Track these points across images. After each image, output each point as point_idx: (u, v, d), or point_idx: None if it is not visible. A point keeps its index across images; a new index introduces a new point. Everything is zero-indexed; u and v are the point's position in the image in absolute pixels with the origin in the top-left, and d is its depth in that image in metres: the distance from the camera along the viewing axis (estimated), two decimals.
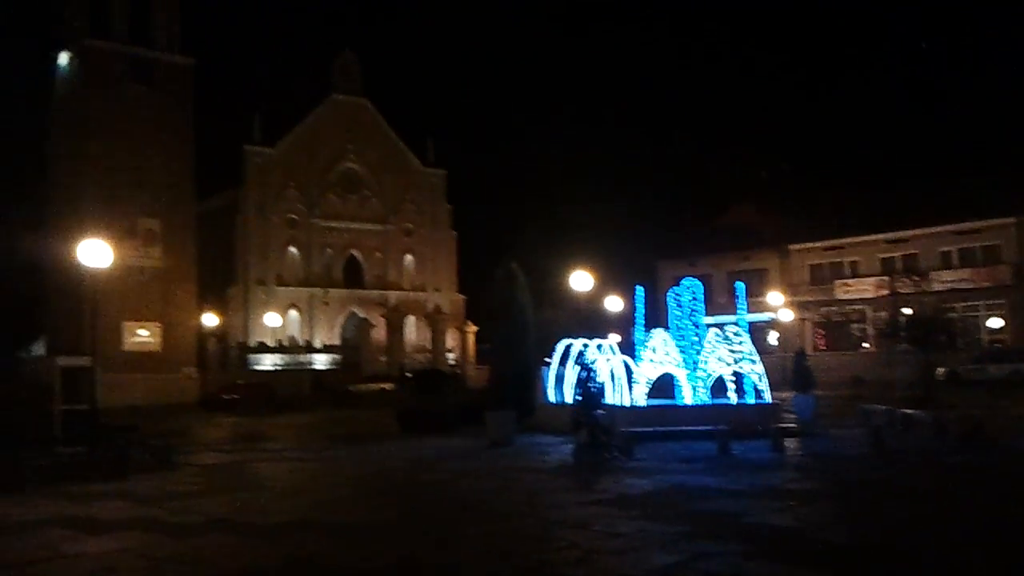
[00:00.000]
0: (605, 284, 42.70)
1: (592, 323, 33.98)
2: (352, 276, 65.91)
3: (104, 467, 16.49)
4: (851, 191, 54.39)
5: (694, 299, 22.92)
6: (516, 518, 11.38)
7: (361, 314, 63.35)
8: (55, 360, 19.97)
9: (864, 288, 50.63)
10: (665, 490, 13.14)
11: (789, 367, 29.16)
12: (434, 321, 62.60)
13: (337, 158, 65.29)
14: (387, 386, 48.33)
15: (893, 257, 50.48)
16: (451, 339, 63.80)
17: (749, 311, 26.41)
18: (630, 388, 21.95)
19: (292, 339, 60.09)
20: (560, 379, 23.74)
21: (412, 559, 9.40)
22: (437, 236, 69.50)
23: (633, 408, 21.31)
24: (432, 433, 22.91)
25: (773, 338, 52.74)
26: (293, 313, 62.07)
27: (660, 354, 21.66)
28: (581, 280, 28.10)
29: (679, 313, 22.89)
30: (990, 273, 46.34)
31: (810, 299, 52.78)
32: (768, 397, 22.09)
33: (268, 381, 48.02)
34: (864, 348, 50.21)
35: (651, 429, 19.29)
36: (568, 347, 23.46)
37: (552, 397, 24.15)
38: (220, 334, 57.67)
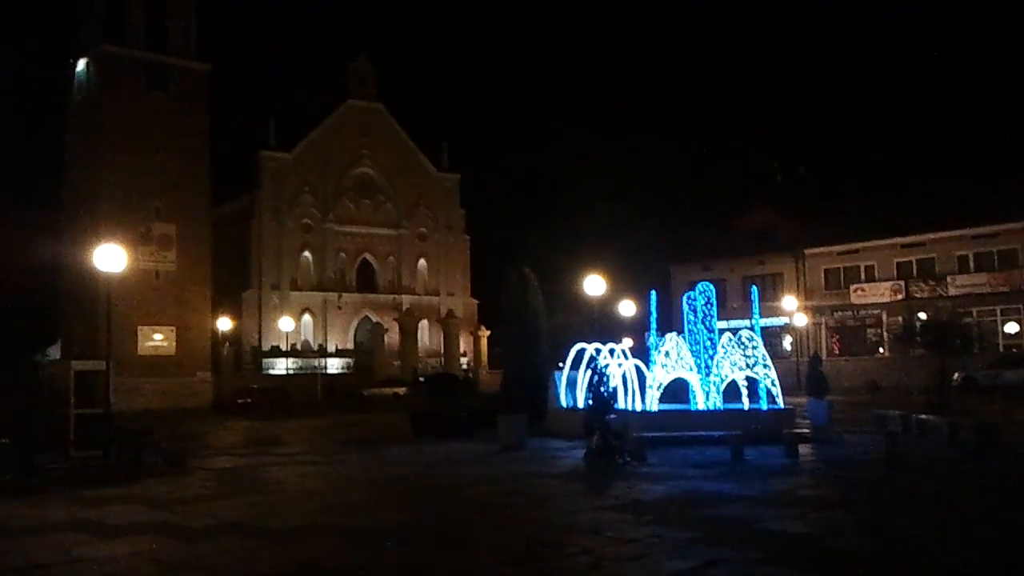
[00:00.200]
0: (618, 288, 42.60)
1: (605, 327, 33.89)
2: (366, 280, 66.10)
3: (117, 471, 16.59)
4: (867, 195, 54.03)
5: (707, 303, 22.83)
6: (528, 523, 11.34)
7: (374, 318, 63.51)
8: (69, 364, 20.05)
9: (880, 292, 50.31)
10: (678, 496, 13.07)
11: (803, 372, 29.01)
12: (447, 325, 62.66)
13: (352, 163, 65.54)
14: (400, 390, 48.45)
15: (909, 261, 50.12)
16: (464, 343, 63.83)
17: (763, 315, 26.38)
18: (642, 393, 21.89)
19: (306, 343, 60.31)
20: (572, 383, 23.68)
21: (424, 564, 9.39)
22: (450, 240, 69.61)
23: (645, 413, 21.24)
24: (445, 437, 22.90)
25: (787, 343, 52.48)
26: (307, 317, 62.31)
27: (673, 359, 21.57)
28: (594, 284, 28.04)
29: (692, 317, 22.81)
30: (1007, 277, 45.96)
31: (825, 304, 52.50)
32: (781, 402, 21.96)
33: (282, 385, 48.17)
34: (880, 353, 49.88)
35: (663, 434, 19.21)
36: (581, 351, 23.40)
37: (564, 401, 24.10)
38: (234, 338, 57.94)
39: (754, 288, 26.18)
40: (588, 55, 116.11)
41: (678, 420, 20.79)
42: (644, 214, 71.56)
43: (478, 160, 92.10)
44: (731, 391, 22.10)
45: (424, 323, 64.56)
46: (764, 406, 21.76)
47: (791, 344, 52.17)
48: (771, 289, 52.99)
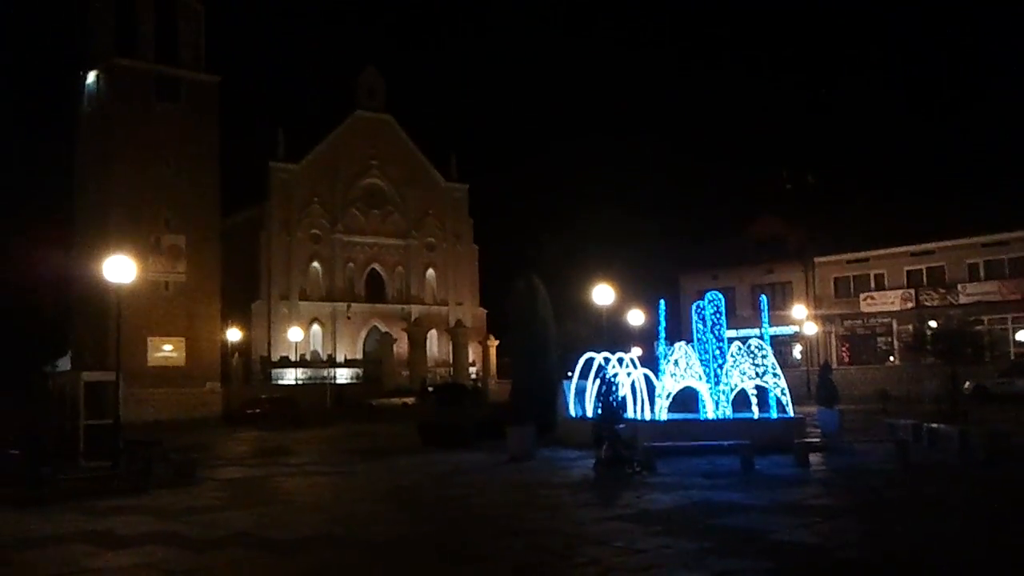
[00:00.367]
0: (627, 297, 42.56)
1: (614, 336, 33.84)
2: (374, 290, 66.21)
3: (127, 482, 16.61)
4: (876, 203, 53.88)
5: (716, 312, 22.75)
6: (537, 534, 11.30)
7: (383, 328, 63.57)
8: (79, 375, 20.11)
9: (890, 301, 50.12)
10: (687, 506, 13.01)
11: (813, 381, 28.88)
12: (456, 335, 62.66)
13: (360, 174, 65.74)
14: (409, 400, 48.38)
15: (919, 270, 49.91)
16: (472, 353, 63.80)
17: (773, 324, 26.27)
18: (651, 402, 21.81)
19: (315, 353, 60.38)
20: (582, 393, 23.63)
21: None
22: (459, 250, 69.70)
23: (654, 422, 21.16)
24: (454, 447, 22.86)
25: (797, 351, 52.30)
26: (315, 328, 62.43)
27: (682, 368, 21.50)
28: (603, 294, 28.03)
29: (701, 326, 22.74)
30: (1018, 285, 45.70)
31: (835, 312, 52.32)
32: (791, 411, 21.86)
33: (291, 395, 48.22)
34: (890, 362, 49.65)
35: (673, 444, 19.13)
36: (589, 361, 23.35)
37: (574, 411, 24.04)
38: (243, 349, 58.08)
39: (764, 297, 26.05)
40: (596, 64, 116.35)
41: (687, 429, 20.69)
42: (653, 223, 71.49)
43: (486, 170, 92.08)
44: (741, 400, 21.99)
45: (433, 333, 64.60)
46: (774, 415, 21.66)
47: (801, 353, 51.99)
48: (780, 297, 52.83)
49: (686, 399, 22.20)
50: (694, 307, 23.42)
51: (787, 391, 21.82)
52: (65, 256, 51.02)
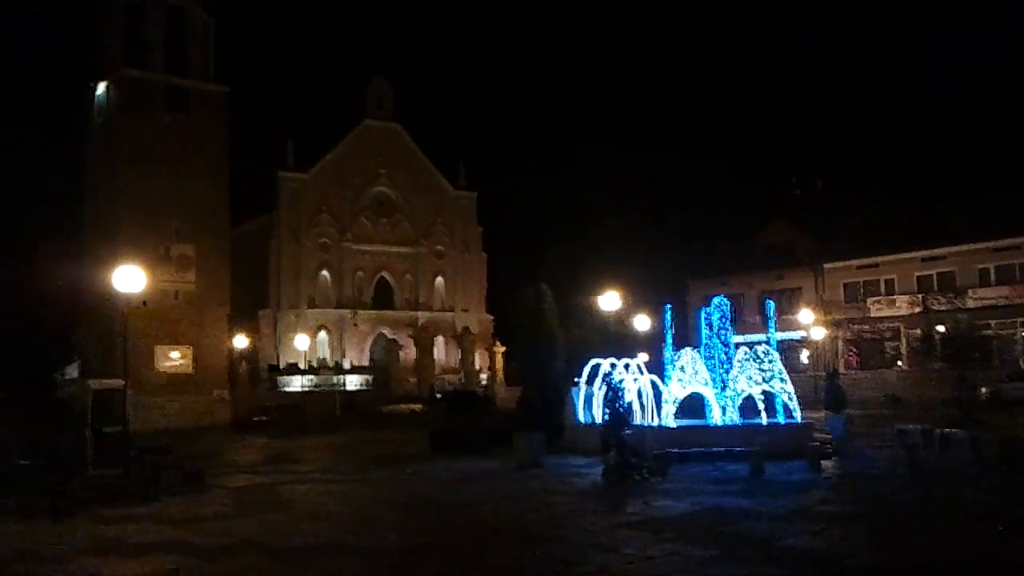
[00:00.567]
0: (635, 303, 42.52)
1: (621, 342, 33.80)
2: (383, 298, 66.28)
3: (136, 489, 16.66)
4: (885, 208, 53.77)
5: (723, 317, 22.70)
6: (545, 541, 11.28)
7: (390, 335, 63.59)
8: (88, 383, 20.20)
9: (898, 306, 49.95)
10: (697, 512, 12.96)
11: (821, 386, 28.77)
12: (463, 341, 62.64)
13: (369, 182, 65.90)
14: (417, 407, 48.38)
15: (929, 275, 49.74)
16: (479, 359, 63.77)
17: (781, 329, 26.19)
18: (658, 408, 21.76)
19: (322, 361, 60.44)
20: (589, 399, 23.59)
21: None
22: (467, 257, 69.75)
23: (662, 428, 21.11)
24: (462, 454, 22.84)
25: (805, 356, 52.13)
26: (323, 335, 62.51)
27: (688, 373, 21.44)
28: (609, 300, 28.02)
29: (708, 332, 22.68)
30: None
31: (843, 317, 52.14)
32: (798, 416, 21.77)
33: (299, 403, 48.29)
34: (898, 366, 49.47)
35: (681, 450, 19.07)
36: (596, 367, 23.31)
37: (582, 417, 23.99)
38: (251, 356, 58.17)
39: (770, 302, 25.97)
40: (605, 71, 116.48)
41: (695, 435, 20.63)
42: (661, 229, 71.53)
43: (494, 178, 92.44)
44: (748, 406, 21.92)
45: (440, 339, 64.62)
46: (782, 421, 21.58)
47: (808, 358, 51.82)
48: (790, 303, 52.74)
49: (693, 405, 22.14)
50: (701, 312, 23.38)
51: (794, 396, 21.75)
52: (75, 266, 51.25)
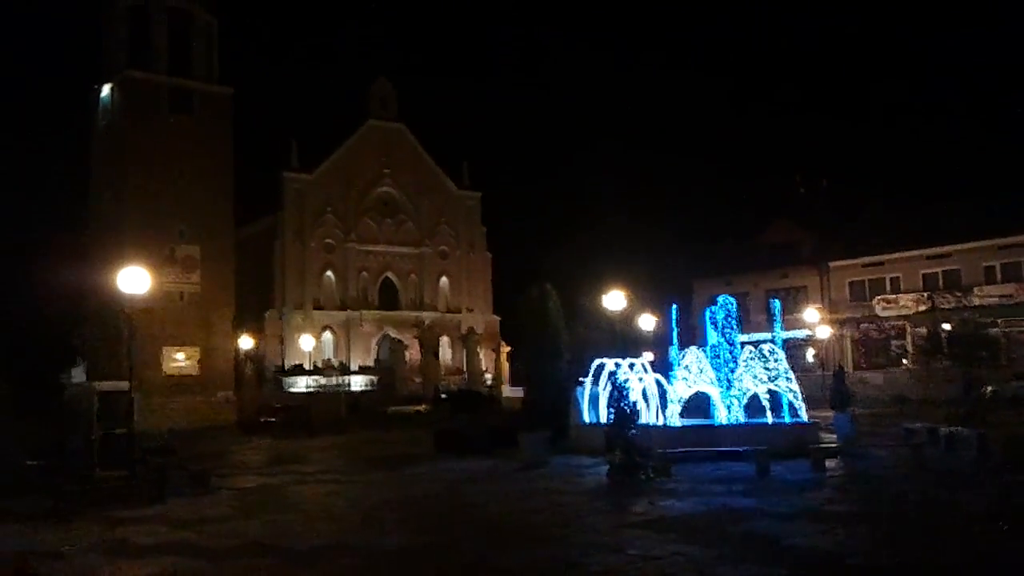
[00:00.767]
0: (640, 303, 42.43)
1: (626, 342, 33.76)
2: (388, 299, 66.27)
3: (142, 491, 16.67)
4: (890, 206, 53.66)
5: (728, 316, 22.68)
6: (550, 542, 11.28)
7: (395, 336, 63.61)
8: (93, 385, 20.24)
9: (904, 304, 49.84)
10: (702, 512, 12.95)
11: (827, 384, 28.71)
12: (468, 342, 62.64)
13: (374, 183, 65.91)
14: (422, 407, 48.37)
15: (935, 273, 49.64)
16: (485, 359, 63.76)
17: (787, 328, 26.13)
18: (663, 407, 21.74)
19: (327, 362, 60.47)
20: (595, 399, 23.58)
21: None
22: (472, 258, 69.72)
23: (667, 428, 21.09)
24: (468, 454, 22.84)
25: (810, 355, 52.03)
26: (328, 335, 62.55)
27: (694, 372, 21.43)
28: (614, 299, 27.98)
29: (713, 331, 22.67)
30: None
31: (849, 316, 52.05)
32: (804, 416, 21.74)
33: (304, 403, 48.26)
34: (904, 365, 49.36)
35: (686, 449, 19.05)
36: (601, 366, 23.31)
37: (587, 417, 23.99)
38: (257, 357, 58.22)
39: (776, 301, 25.95)
40: (609, 71, 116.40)
41: (700, 435, 20.62)
42: (666, 229, 71.49)
43: (499, 178, 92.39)
44: (754, 405, 21.91)
45: (445, 339, 64.65)
46: (787, 420, 21.56)
47: (814, 356, 51.73)
48: (795, 302, 52.63)
49: (699, 403, 22.12)
50: (707, 312, 23.36)
51: (800, 395, 21.72)
52: (80, 267, 51.33)
